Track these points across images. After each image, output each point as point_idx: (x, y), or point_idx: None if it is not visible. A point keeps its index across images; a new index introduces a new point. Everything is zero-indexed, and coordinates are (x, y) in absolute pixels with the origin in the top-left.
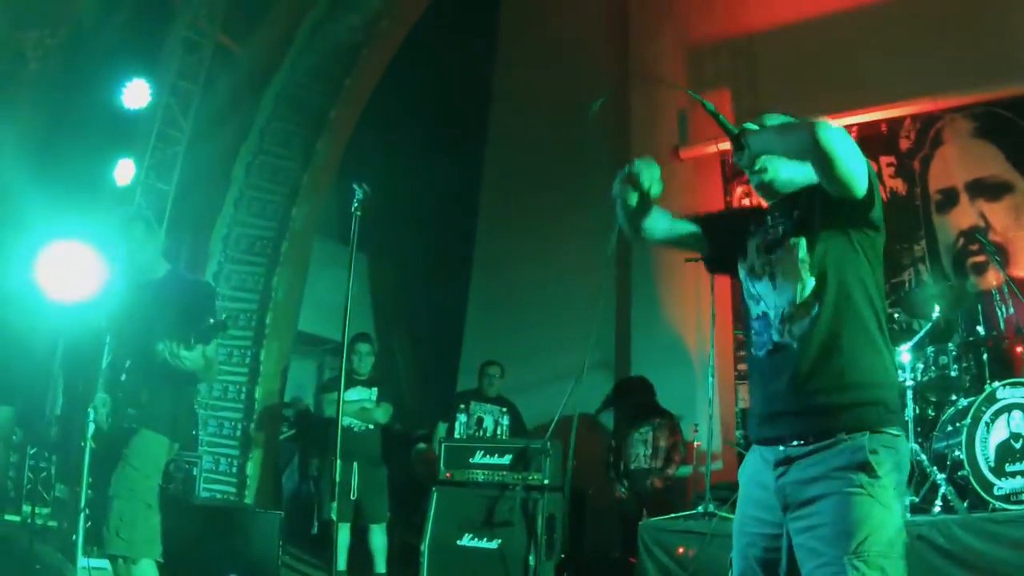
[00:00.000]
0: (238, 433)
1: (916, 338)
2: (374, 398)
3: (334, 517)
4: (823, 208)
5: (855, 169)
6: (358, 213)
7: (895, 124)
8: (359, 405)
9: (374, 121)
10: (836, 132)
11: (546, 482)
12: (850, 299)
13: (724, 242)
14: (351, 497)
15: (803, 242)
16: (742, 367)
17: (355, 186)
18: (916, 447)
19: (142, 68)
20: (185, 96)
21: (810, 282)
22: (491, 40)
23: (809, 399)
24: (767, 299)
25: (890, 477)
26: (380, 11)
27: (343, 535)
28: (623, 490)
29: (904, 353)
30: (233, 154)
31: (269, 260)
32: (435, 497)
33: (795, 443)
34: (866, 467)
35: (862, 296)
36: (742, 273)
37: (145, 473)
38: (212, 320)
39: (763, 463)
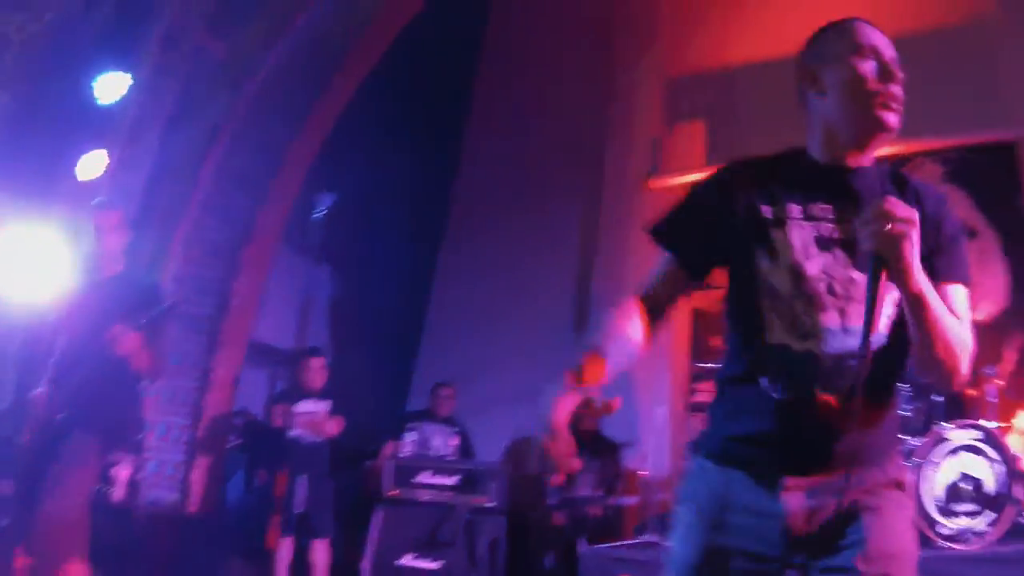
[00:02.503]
0: (185, 440)
1: None
2: (326, 411)
3: (278, 530)
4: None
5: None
6: (322, 221)
7: None
8: (310, 417)
9: (348, 130)
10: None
11: (491, 505)
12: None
13: (711, 248)
14: (296, 511)
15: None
16: (696, 399)
17: (323, 194)
18: None
19: (119, 61)
20: (160, 93)
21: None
22: (475, 55)
23: (854, 451)
24: (827, 339)
25: None
26: (365, 19)
27: (285, 549)
28: (562, 517)
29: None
30: (204, 155)
31: (229, 265)
32: (379, 515)
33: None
34: None
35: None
36: (776, 281)
37: (79, 474)
38: (160, 306)
39: (755, 486)
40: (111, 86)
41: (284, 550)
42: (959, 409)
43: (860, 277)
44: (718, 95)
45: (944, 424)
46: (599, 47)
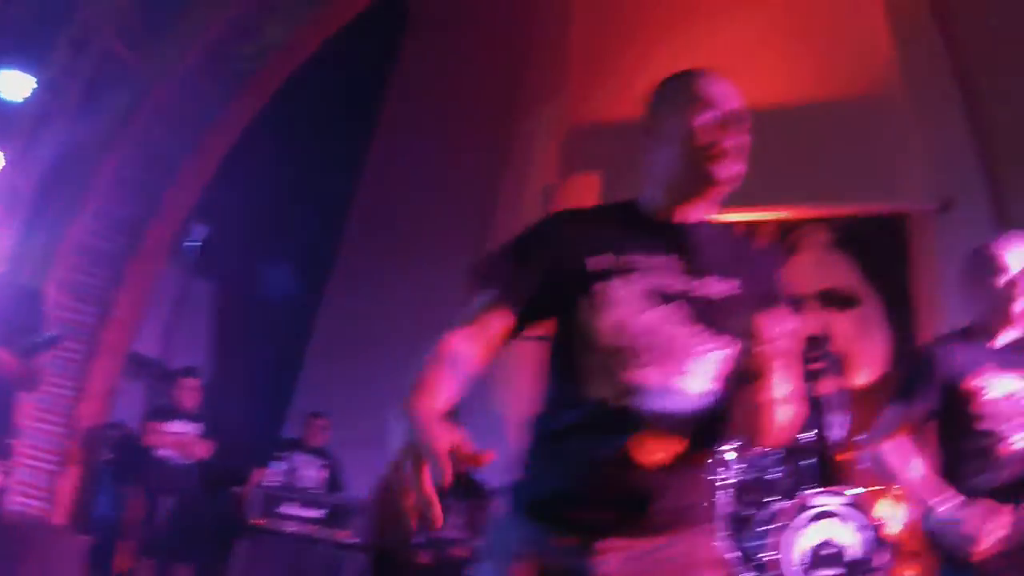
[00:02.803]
0: (56, 449)
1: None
2: (198, 433)
3: (129, 553)
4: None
5: None
6: (194, 251)
7: (753, 227)
8: (180, 438)
9: (248, 148)
10: None
11: (355, 541)
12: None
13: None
14: (161, 532)
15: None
16: None
17: (196, 225)
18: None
19: (27, 61)
20: (65, 95)
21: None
22: (382, 84)
23: (673, 516)
24: (646, 397)
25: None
26: (277, 43)
27: (148, 572)
28: (428, 557)
29: (726, 451)
30: (99, 161)
31: (114, 275)
32: (243, 543)
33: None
34: None
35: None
36: (598, 335)
37: None
38: (45, 334)
39: (566, 545)
40: (17, 83)
41: (145, 573)
42: (829, 474)
43: (688, 332)
44: (618, 147)
45: (812, 488)
46: (506, 90)
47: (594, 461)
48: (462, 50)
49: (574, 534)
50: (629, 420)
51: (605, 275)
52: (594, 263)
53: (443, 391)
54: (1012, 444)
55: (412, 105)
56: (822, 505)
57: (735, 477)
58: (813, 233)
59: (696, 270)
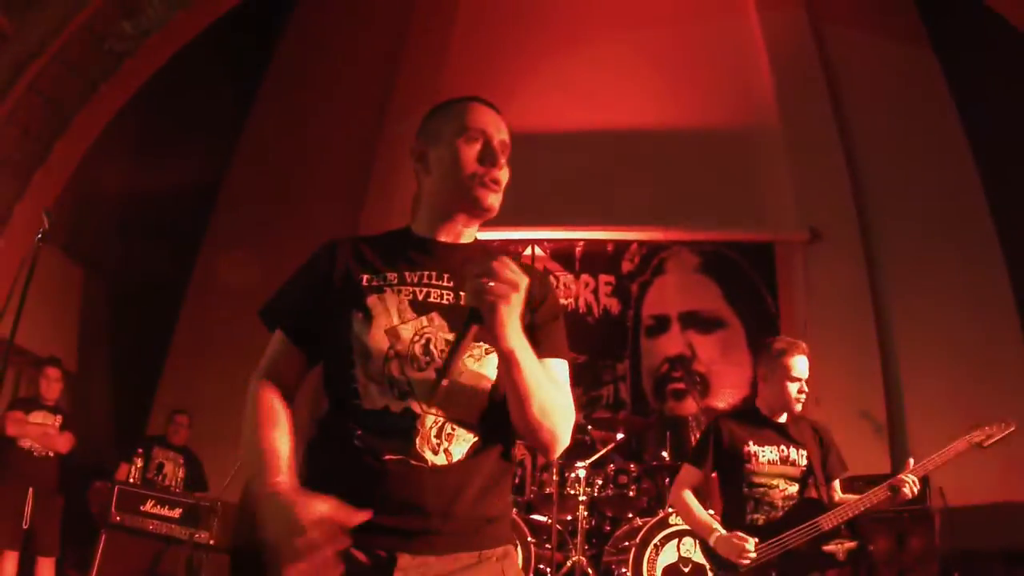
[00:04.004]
0: None
1: (597, 456)
2: (56, 425)
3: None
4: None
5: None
6: (40, 242)
7: (622, 246)
8: (41, 429)
9: (123, 131)
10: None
11: (212, 543)
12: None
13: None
14: (23, 525)
15: (493, 359)
16: None
17: (45, 214)
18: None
19: None
20: None
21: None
22: (260, 75)
23: (466, 527)
24: (425, 396)
25: None
26: (154, 25)
27: (9, 564)
28: None
29: (582, 468)
30: None
31: None
32: (103, 539)
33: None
34: None
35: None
36: (371, 344)
37: None
38: None
39: (360, 561)
40: None
41: (9, 564)
42: None
43: (449, 338)
44: None
45: (668, 508)
46: (381, 94)
47: (381, 462)
48: (342, 48)
49: (367, 549)
50: (412, 422)
51: (375, 289)
52: (365, 279)
53: (285, 455)
54: (783, 492)
55: (287, 98)
56: (681, 523)
57: (593, 492)
58: (679, 255)
59: (457, 285)
